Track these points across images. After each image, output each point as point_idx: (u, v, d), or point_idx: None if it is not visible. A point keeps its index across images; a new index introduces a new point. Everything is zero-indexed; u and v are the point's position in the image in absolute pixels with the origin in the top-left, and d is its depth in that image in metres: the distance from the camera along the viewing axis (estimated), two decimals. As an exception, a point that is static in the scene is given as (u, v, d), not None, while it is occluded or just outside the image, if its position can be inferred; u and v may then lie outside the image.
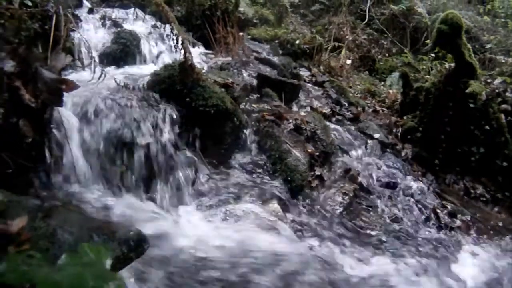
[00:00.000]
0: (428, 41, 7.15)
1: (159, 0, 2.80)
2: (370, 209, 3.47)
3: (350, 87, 5.64)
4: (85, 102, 2.39)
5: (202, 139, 2.63)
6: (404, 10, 8.66)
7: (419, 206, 3.66)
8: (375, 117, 5.41)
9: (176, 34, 2.50)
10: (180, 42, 2.59)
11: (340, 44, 6.65)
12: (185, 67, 2.52)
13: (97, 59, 3.85)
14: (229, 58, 3.89)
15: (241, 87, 3.28)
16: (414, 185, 4.03)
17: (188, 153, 2.50)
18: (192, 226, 2.27)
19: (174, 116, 2.49)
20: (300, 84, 4.01)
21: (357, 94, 5.63)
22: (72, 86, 1.90)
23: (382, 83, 7.55)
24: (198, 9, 4.63)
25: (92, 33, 4.31)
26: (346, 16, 7.75)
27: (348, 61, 6.82)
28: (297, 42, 5.13)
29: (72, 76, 3.19)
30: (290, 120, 3.35)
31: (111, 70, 3.52)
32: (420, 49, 8.30)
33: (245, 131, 3.05)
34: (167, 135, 2.45)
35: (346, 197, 3.40)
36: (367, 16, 7.08)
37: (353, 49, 7.28)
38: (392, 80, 7.84)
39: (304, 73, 4.94)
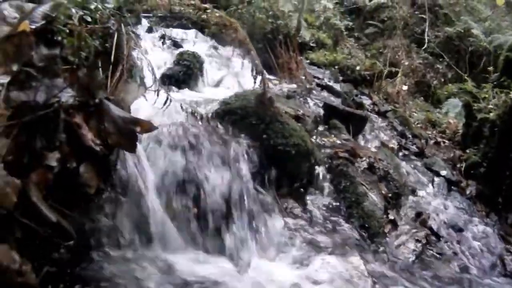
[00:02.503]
0: (490, 68, 6.65)
1: (236, 26, 2.59)
2: (440, 256, 3.22)
3: (410, 116, 5.25)
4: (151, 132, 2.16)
5: (277, 178, 2.35)
6: (459, 32, 8.16)
7: (485, 251, 3.38)
8: (438, 150, 5.01)
9: (256, 65, 2.25)
10: (258, 72, 2.34)
11: (396, 69, 6.27)
12: (263, 101, 2.27)
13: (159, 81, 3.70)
14: (294, 85, 3.64)
15: (312, 120, 3.00)
16: (480, 227, 3.79)
17: (264, 195, 2.23)
18: (268, 280, 1.99)
19: (249, 153, 2.23)
20: (367, 116, 3.69)
21: (417, 124, 5.23)
22: (148, 127, 1.54)
23: (438, 110, 7.09)
24: (259, 32, 4.42)
25: (152, 53, 4.17)
26: (401, 39, 7.36)
27: (405, 87, 6.42)
28: (358, 68, 4.82)
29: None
30: (364, 158, 3.03)
31: (173, 93, 3.33)
32: (478, 74, 7.77)
33: (318, 168, 2.75)
34: (242, 174, 2.18)
35: (419, 244, 3.13)
36: (426, 40, 6.65)
37: (408, 74, 6.87)
38: (448, 107, 7.35)
39: (365, 101, 4.61)
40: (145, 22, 5.24)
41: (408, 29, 7.82)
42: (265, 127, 2.27)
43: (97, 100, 1.46)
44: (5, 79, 1.26)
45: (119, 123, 1.45)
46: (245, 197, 2.15)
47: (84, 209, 1.52)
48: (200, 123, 2.51)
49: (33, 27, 1.39)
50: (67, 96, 1.38)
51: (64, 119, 1.34)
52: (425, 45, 6.76)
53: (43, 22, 1.46)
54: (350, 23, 6.91)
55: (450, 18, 8.87)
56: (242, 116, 2.39)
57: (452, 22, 8.65)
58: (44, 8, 1.51)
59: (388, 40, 7.07)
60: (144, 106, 2.77)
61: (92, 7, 3.00)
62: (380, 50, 6.72)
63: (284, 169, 2.37)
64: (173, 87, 3.44)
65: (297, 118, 2.85)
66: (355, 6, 7.15)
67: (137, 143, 1.78)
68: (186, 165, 2.09)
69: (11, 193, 1.08)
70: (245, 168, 2.25)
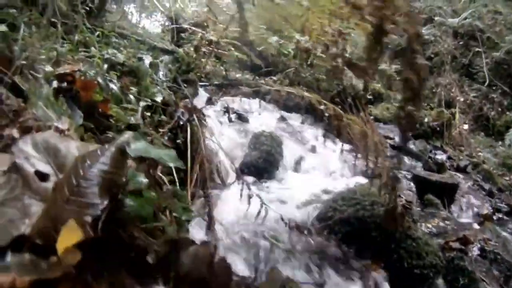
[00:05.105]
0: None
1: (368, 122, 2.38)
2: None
3: (484, 162, 4.89)
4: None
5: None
6: (507, 54, 7.74)
7: None
8: (523, 199, 4.61)
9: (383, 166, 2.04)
10: (392, 181, 2.06)
11: (454, 110, 5.95)
12: (394, 215, 2.03)
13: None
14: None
15: (414, 204, 2.76)
16: None
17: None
18: None
19: (382, 282, 2.00)
20: (458, 183, 3.40)
21: (492, 169, 4.86)
22: None
23: (500, 143, 6.66)
24: (324, 96, 4.24)
25: (220, 131, 3.89)
26: (451, 75, 7.05)
27: (465, 126, 6.08)
28: (426, 120, 4.54)
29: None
30: (475, 244, 2.75)
31: (256, 187, 2.87)
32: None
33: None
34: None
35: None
36: (487, 78, 6.25)
37: (465, 110, 6.52)
38: (510, 139, 6.91)
39: (440, 156, 4.32)
40: (202, 92, 5.13)
41: (456, 62, 7.49)
42: (395, 246, 2.04)
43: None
44: None
45: None
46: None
47: None
48: (310, 239, 2.30)
49: (89, 219, 0.67)
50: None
51: None
52: (487, 81, 6.33)
53: (106, 201, 0.71)
54: (398, 66, 6.66)
55: (493, 41, 8.47)
56: (360, 229, 2.16)
57: (497, 44, 8.25)
58: (102, 164, 0.78)
59: (439, 78, 6.77)
60: (227, 210, 2.42)
61: (159, 99, 2.75)
62: (433, 90, 6.41)
63: None
64: (252, 177, 2.99)
65: (405, 208, 2.61)
66: (400, 48, 6.89)
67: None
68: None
69: None
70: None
